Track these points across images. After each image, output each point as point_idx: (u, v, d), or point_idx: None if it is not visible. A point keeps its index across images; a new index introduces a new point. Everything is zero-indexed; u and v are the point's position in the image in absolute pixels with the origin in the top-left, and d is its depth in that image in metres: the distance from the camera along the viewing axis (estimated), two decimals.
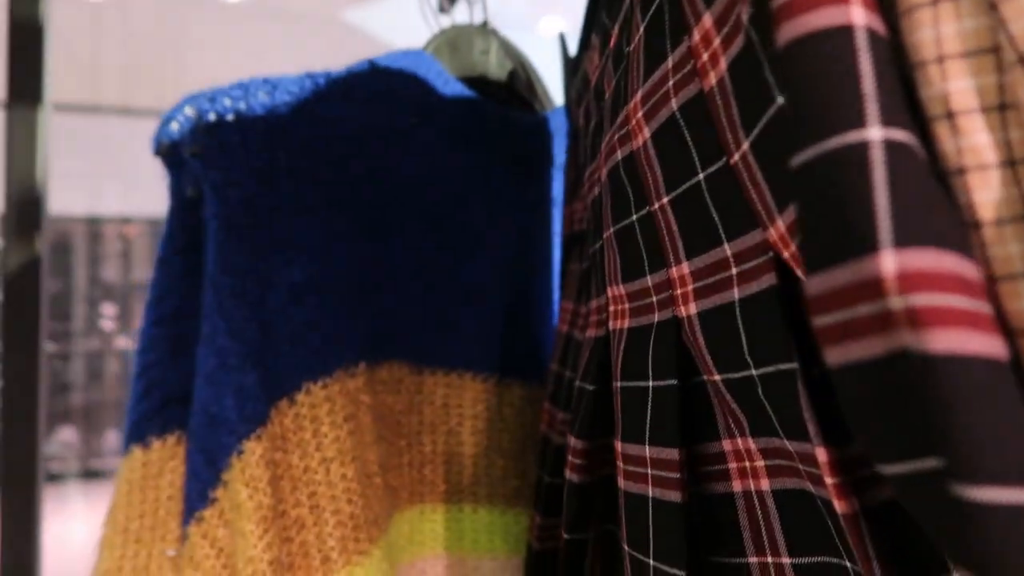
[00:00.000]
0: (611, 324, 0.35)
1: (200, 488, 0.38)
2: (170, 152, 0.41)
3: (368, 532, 0.42)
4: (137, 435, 0.41)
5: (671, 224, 0.29)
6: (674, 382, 0.29)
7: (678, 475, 0.28)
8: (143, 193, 4.25)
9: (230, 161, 0.39)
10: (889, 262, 0.15)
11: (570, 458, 0.36)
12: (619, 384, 0.33)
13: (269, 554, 0.37)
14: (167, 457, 0.41)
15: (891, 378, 0.16)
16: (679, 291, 0.29)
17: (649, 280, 0.31)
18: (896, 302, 0.15)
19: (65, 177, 4.15)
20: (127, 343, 4.23)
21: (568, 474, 0.36)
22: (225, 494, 0.38)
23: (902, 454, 0.16)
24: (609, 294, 0.35)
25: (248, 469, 0.38)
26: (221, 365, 0.39)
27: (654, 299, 0.31)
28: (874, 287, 0.16)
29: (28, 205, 0.63)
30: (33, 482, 0.64)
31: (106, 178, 4.21)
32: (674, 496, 0.28)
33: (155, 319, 0.42)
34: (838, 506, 0.22)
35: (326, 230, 0.45)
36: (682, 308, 0.29)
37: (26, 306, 0.63)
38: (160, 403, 0.41)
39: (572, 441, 0.36)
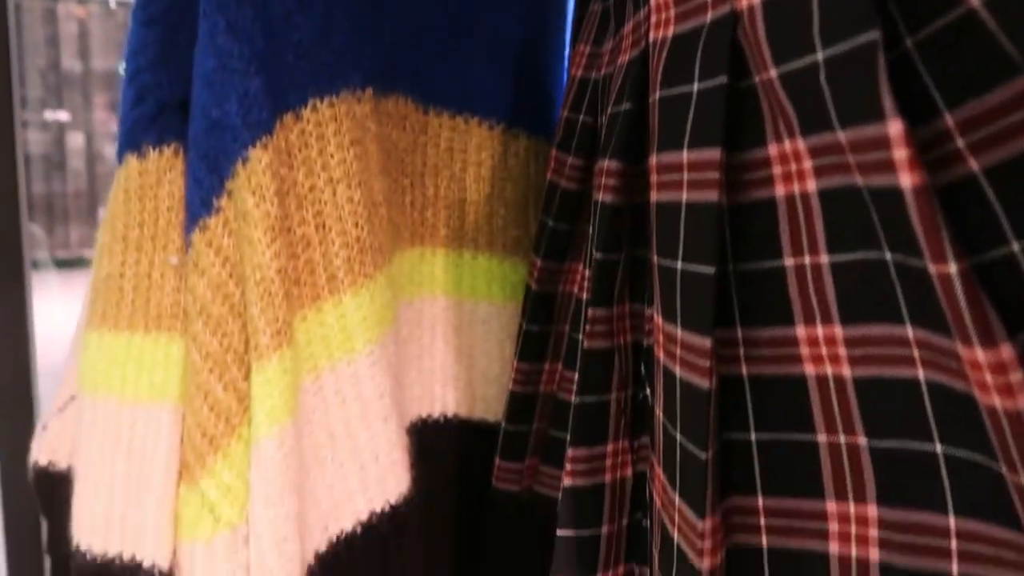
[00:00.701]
0: (651, 36, 0.33)
1: (203, 196, 0.37)
2: None
3: (373, 258, 0.41)
4: (131, 143, 0.39)
5: None
6: (723, 80, 0.27)
7: (717, 175, 0.27)
8: None
9: None
10: None
11: (603, 180, 0.35)
12: (658, 95, 0.31)
13: (277, 263, 0.37)
14: (165, 168, 0.39)
15: None
16: None
17: None
18: None
19: None
20: (90, 130, 4.08)
21: (601, 196, 0.35)
22: (230, 203, 0.37)
23: None
24: (652, 4, 0.33)
25: (254, 177, 0.36)
26: (221, 67, 0.36)
27: None
28: None
29: None
30: (20, 262, 0.63)
31: None
32: (711, 196, 0.28)
33: (144, 20, 0.39)
34: (908, 179, 0.21)
35: None
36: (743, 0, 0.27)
37: None
38: (155, 110, 0.38)
39: (605, 164, 0.35)
